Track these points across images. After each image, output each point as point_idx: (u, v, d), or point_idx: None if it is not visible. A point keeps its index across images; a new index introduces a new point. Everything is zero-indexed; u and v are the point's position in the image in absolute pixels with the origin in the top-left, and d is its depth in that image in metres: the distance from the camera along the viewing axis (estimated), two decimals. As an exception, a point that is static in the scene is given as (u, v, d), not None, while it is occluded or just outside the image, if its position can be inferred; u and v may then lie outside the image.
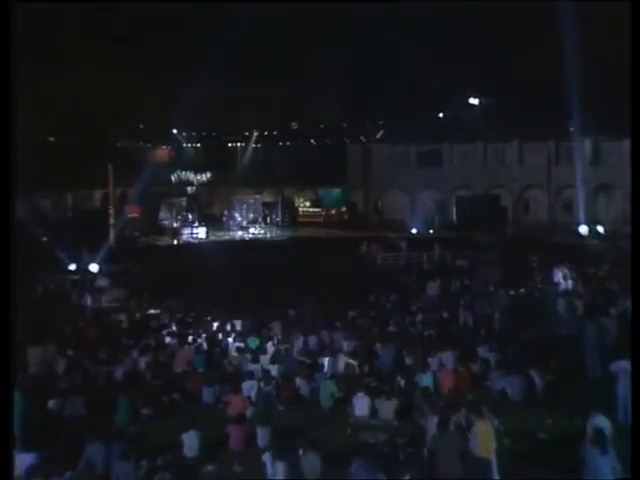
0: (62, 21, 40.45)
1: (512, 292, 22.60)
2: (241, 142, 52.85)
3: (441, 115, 49.39)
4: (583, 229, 37.35)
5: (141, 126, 51.36)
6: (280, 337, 18.59)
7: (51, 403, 14.26)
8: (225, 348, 18.11)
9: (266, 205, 45.90)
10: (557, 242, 34.65)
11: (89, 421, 13.55)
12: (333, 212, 46.90)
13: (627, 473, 8.58)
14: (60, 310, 23.29)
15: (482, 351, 15.93)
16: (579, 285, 22.43)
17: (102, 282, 27.02)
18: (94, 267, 29.53)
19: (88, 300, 24.78)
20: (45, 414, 13.97)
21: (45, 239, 32.27)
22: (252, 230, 42.59)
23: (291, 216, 46.00)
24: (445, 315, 20.41)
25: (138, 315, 22.40)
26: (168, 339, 19.10)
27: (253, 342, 18.02)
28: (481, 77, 40.96)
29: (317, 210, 47.03)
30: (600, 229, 37.08)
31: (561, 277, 23.05)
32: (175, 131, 51.95)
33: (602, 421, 10.76)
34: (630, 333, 9.71)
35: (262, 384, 14.67)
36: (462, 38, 40.43)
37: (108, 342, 18.96)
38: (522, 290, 23.15)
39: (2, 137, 8.76)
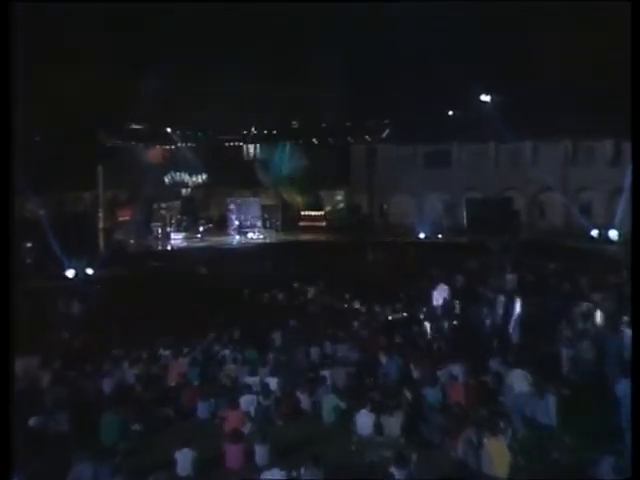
0: (55, 18, 40.48)
1: (527, 301, 22.41)
2: (239, 141, 52.80)
3: (450, 113, 49.31)
4: (594, 233, 37.36)
5: (133, 125, 51.31)
6: (280, 348, 18.51)
7: (33, 420, 14.07)
8: (222, 360, 18.01)
9: (265, 208, 45.78)
10: (574, 247, 34.57)
11: (76, 439, 13.45)
12: (329, 209, 47.12)
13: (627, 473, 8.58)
14: (46, 319, 23.19)
15: (494, 364, 15.85)
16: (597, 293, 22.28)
17: (91, 289, 26.97)
18: (83, 273, 29.50)
19: (75, 308, 24.74)
20: (28, 431, 13.84)
21: (29, 244, 32.14)
22: (250, 235, 42.52)
23: (292, 220, 45.91)
24: (455, 324, 20.32)
25: (128, 324, 22.30)
26: (161, 350, 19.01)
27: (251, 353, 17.94)
28: (493, 72, 40.85)
29: (319, 213, 46.98)
30: (614, 233, 36.91)
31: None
32: (169, 130, 51.95)
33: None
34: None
35: (261, 398, 14.60)
36: (472, 32, 40.40)
37: (97, 353, 18.89)
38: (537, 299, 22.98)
39: (2, 137, 8.72)
